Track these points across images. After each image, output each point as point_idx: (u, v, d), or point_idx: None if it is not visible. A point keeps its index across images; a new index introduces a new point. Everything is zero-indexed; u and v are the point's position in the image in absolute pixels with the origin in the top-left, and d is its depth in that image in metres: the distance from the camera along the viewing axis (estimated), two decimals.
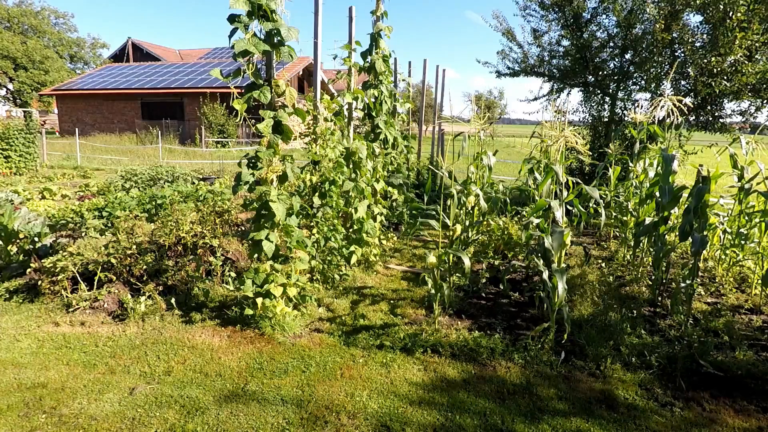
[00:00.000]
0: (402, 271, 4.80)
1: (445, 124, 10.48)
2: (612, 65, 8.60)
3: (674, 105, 3.93)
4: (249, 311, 3.38)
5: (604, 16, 8.37)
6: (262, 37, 3.20)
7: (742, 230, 4.36)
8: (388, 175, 5.35)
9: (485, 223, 4.98)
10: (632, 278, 4.49)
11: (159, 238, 4.24)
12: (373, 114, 5.06)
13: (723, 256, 4.68)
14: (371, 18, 4.91)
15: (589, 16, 8.41)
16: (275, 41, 3.24)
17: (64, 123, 25.23)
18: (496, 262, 4.77)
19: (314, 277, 4.16)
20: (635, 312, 3.66)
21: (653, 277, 4.04)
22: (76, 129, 19.07)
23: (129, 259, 4.00)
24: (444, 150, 9.74)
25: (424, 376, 2.90)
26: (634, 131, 4.93)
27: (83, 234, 4.75)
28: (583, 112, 9.13)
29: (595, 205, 5.11)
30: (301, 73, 24.62)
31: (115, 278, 3.89)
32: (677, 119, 3.94)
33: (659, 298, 3.98)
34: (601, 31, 8.51)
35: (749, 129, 7.72)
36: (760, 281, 4.06)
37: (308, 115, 4.31)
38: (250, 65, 3.23)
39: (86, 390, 2.69)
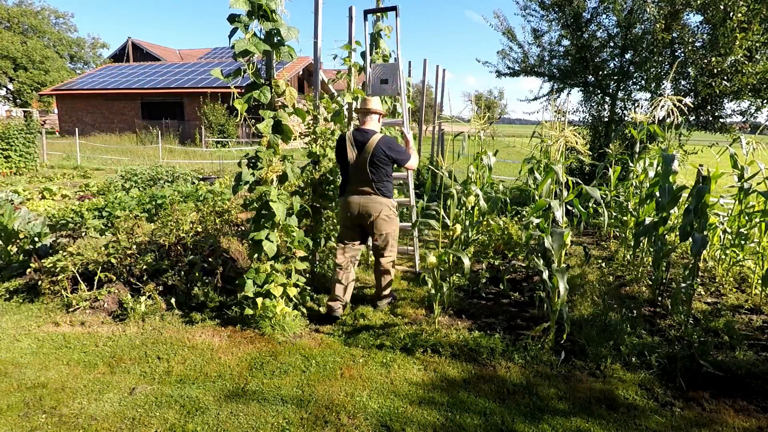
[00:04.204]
0: (402, 271, 4.80)
1: (445, 124, 10.49)
2: (612, 65, 8.60)
3: (674, 105, 3.93)
4: (249, 311, 3.38)
5: (604, 16, 8.36)
6: (262, 37, 3.20)
7: (742, 230, 4.36)
8: None
9: (485, 223, 4.98)
10: (632, 278, 4.49)
11: (159, 238, 4.24)
12: None
13: (723, 256, 4.68)
14: (371, 18, 4.90)
15: (589, 16, 8.40)
16: (275, 41, 3.24)
17: (64, 123, 25.24)
18: (496, 262, 4.77)
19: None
20: (635, 312, 3.66)
21: (653, 277, 4.04)
22: (76, 129, 19.07)
23: (129, 259, 4.00)
24: (444, 150, 9.74)
25: (425, 376, 2.90)
26: (634, 131, 4.93)
27: (83, 234, 4.75)
28: (583, 112, 9.13)
29: (595, 205, 5.11)
30: (301, 73, 24.63)
31: (115, 278, 3.89)
32: (677, 119, 3.93)
33: (659, 298, 3.98)
34: (601, 31, 8.51)
35: (749, 129, 7.72)
36: (760, 281, 4.06)
37: (308, 115, 4.31)
38: (250, 65, 3.23)
39: (86, 390, 2.69)
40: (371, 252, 4.86)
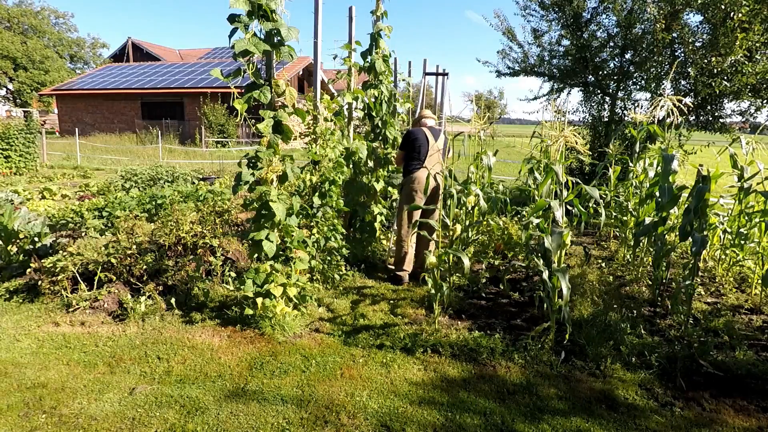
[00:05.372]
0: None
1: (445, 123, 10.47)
2: (612, 65, 8.60)
3: (674, 105, 3.93)
4: (249, 311, 3.38)
5: (604, 16, 8.37)
6: (262, 37, 3.20)
7: (742, 230, 4.36)
8: (388, 175, 5.35)
9: (485, 223, 4.98)
10: (632, 278, 4.49)
11: (159, 238, 4.24)
12: (373, 114, 5.06)
13: (723, 256, 4.68)
14: (371, 18, 4.91)
15: (589, 16, 8.41)
16: (275, 41, 3.24)
17: (64, 123, 25.24)
18: (496, 262, 4.77)
19: (314, 277, 4.15)
20: (635, 312, 3.66)
21: (653, 277, 4.04)
22: (76, 129, 19.08)
23: (129, 259, 4.00)
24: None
25: (425, 376, 2.90)
26: (634, 131, 4.93)
27: (83, 234, 4.75)
28: (583, 112, 9.14)
29: (595, 205, 5.11)
30: (301, 73, 24.63)
31: (115, 278, 3.89)
32: (677, 119, 3.94)
33: (659, 298, 3.98)
34: (601, 30, 8.52)
35: (749, 129, 7.72)
36: (760, 281, 4.06)
37: (308, 115, 4.31)
38: (251, 65, 3.23)
39: (86, 390, 2.69)
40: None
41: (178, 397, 2.63)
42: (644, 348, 3.12)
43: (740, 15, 6.40)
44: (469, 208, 4.43)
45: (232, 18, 3.10)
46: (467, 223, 4.39)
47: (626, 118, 8.04)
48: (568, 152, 5.06)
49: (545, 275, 3.16)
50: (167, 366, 2.95)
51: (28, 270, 4.00)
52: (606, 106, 8.74)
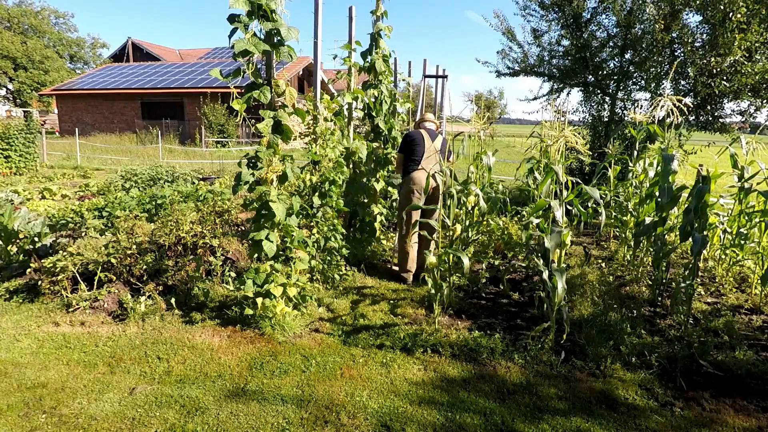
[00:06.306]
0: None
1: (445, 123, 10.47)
2: (612, 65, 8.60)
3: (674, 105, 3.93)
4: (249, 311, 3.38)
5: (603, 16, 8.37)
6: (262, 37, 3.20)
7: (742, 230, 4.36)
8: (388, 175, 5.35)
9: (485, 223, 4.98)
10: (632, 278, 4.49)
11: (159, 238, 4.24)
12: (373, 114, 5.06)
13: (723, 256, 4.68)
14: (371, 18, 4.91)
15: (588, 16, 8.40)
16: (275, 41, 3.24)
17: (64, 123, 25.22)
18: (496, 262, 4.77)
19: (314, 277, 4.16)
20: (635, 312, 3.66)
21: (653, 277, 4.04)
22: (76, 129, 19.07)
23: (129, 259, 4.00)
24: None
25: (424, 376, 2.90)
26: (634, 131, 4.93)
27: (83, 234, 4.75)
28: (583, 112, 9.13)
29: (595, 205, 5.11)
30: (301, 73, 24.62)
31: (115, 278, 3.89)
32: (677, 119, 3.93)
33: (659, 298, 3.98)
34: (600, 30, 8.51)
35: (749, 129, 7.72)
36: (760, 281, 4.06)
37: (308, 115, 4.31)
38: (250, 65, 3.23)
39: (86, 390, 2.69)
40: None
41: (178, 397, 2.63)
42: (644, 348, 3.12)
43: (739, 15, 6.40)
44: (469, 208, 4.42)
45: (232, 18, 3.10)
46: (467, 223, 4.38)
47: (626, 118, 8.03)
48: (568, 152, 5.06)
49: (545, 275, 3.16)
50: (167, 366, 2.95)
51: (28, 270, 4.00)
52: (606, 106, 8.73)
